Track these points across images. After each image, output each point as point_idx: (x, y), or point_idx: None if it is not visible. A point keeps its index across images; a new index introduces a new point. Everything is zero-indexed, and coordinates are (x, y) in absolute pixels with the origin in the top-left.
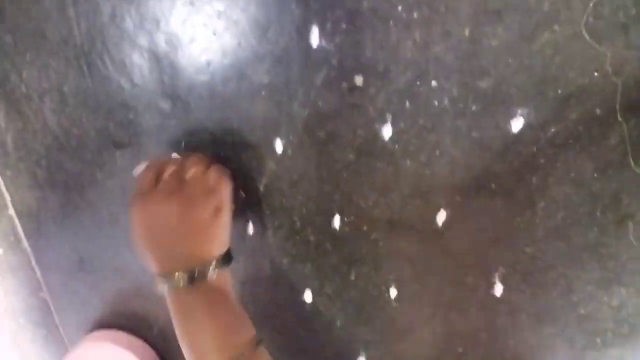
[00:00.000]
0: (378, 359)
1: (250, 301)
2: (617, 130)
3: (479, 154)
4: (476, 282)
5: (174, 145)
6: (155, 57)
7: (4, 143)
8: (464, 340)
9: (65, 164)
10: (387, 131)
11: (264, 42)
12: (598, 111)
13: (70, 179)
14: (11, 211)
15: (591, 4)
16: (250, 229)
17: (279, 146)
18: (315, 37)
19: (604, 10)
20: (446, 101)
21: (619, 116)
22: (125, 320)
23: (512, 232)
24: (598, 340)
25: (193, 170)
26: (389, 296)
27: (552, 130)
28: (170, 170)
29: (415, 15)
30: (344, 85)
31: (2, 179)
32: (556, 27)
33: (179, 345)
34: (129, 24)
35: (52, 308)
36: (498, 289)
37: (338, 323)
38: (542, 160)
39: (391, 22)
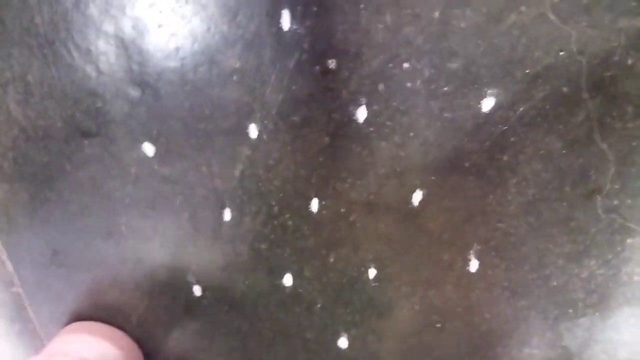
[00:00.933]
0: (359, 339)
1: (229, 287)
2: (583, 108)
3: (451, 134)
4: (452, 259)
5: (145, 133)
6: (122, 44)
7: None
8: (442, 315)
9: (32, 155)
10: (361, 114)
11: (234, 27)
12: (565, 89)
13: (38, 171)
14: None
15: None
16: (227, 215)
17: (253, 131)
18: (286, 21)
19: None
20: (418, 83)
21: (584, 94)
22: (103, 312)
23: (485, 209)
24: (570, 310)
25: None
26: (368, 276)
27: (521, 109)
28: None
29: None
30: (317, 69)
31: None
32: (523, 9)
33: (158, 334)
34: (93, 10)
35: (26, 302)
36: (473, 265)
37: (318, 305)
38: (512, 139)
39: (362, 5)
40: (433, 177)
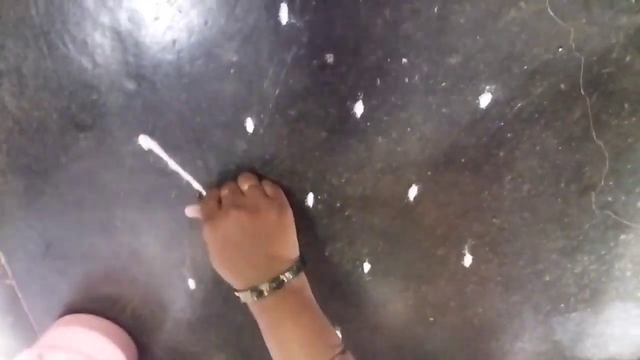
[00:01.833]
0: (353, 333)
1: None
2: (580, 104)
3: (448, 130)
4: (447, 254)
5: (141, 126)
6: (118, 36)
7: None
8: (435, 309)
9: (27, 148)
10: (358, 109)
11: (231, 20)
12: (562, 86)
13: (33, 163)
14: None
15: None
16: None
17: (250, 126)
18: (284, 14)
19: None
20: (416, 78)
21: (582, 90)
22: (97, 304)
23: (481, 204)
24: (562, 305)
25: (248, 184)
26: (363, 271)
27: (519, 105)
28: (225, 189)
29: None
30: (315, 63)
31: None
32: (522, 5)
33: (152, 327)
34: (89, 1)
35: (19, 295)
36: (467, 260)
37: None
38: (509, 135)
39: (360, 0)
40: (429, 173)
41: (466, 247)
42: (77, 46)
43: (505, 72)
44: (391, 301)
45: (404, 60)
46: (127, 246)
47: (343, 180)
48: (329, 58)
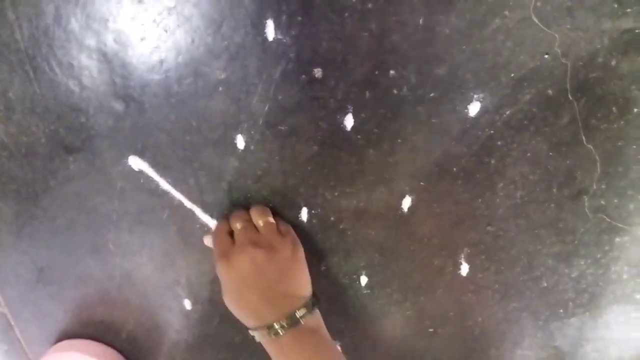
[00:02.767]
0: (353, 347)
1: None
2: (568, 109)
3: (439, 139)
4: (443, 264)
5: (131, 147)
6: (105, 58)
7: None
8: (434, 320)
9: (16, 172)
10: (348, 122)
11: (218, 38)
12: (550, 92)
13: (22, 188)
14: None
15: None
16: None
17: (240, 142)
18: (270, 31)
19: None
20: (405, 89)
21: (569, 96)
22: (92, 329)
23: (475, 213)
24: (561, 311)
25: (262, 220)
26: (360, 284)
27: (507, 112)
28: (239, 224)
29: (369, 5)
30: (303, 77)
31: None
32: (506, 13)
33: (148, 349)
34: (74, 24)
35: (12, 322)
36: (464, 269)
37: None
38: (499, 142)
39: (346, 14)
40: (422, 183)
41: (462, 256)
42: (63, 69)
43: (493, 80)
44: (390, 313)
45: (392, 72)
46: (120, 268)
47: (336, 194)
48: (317, 72)
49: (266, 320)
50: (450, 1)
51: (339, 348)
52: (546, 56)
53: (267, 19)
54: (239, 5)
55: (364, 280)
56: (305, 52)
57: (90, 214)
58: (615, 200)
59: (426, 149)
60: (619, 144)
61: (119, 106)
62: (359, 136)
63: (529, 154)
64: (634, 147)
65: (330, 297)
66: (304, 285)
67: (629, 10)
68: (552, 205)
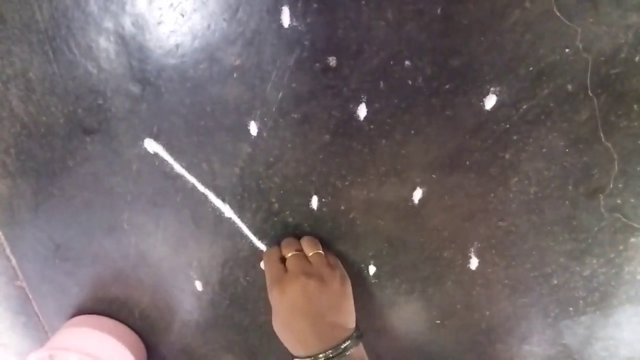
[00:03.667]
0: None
1: (230, 282)
2: (587, 106)
3: (453, 132)
4: (452, 257)
5: (146, 129)
6: (122, 41)
7: None
8: (442, 312)
9: (34, 151)
10: (362, 111)
11: (234, 24)
12: (569, 87)
13: (41, 167)
14: None
15: None
16: (228, 211)
17: (253, 129)
18: (286, 18)
19: None
20: (420, 80)
21: (589, 91)
22: (106, 306)
23: (487, 207)
24: (571, 309)
25: (313, 251)
26: (368, 273)
27: (524, 107)
28: (291, 252)
29: None
30: (318, 66)
31: None
32: (527, 5)
33: (160, 328)
34: (93, 7)
35: (30, 296)
36: (474, 263)
37: None
38: (514, 137)
39: (363, 1)
40: (434, 175)
41: (472, 249)
42: (82, 51)
43: (511, 73)
44: (397, 303)
45: (407, 62)
46: (134, 248)
47: (347, 183)
48: (332, 61)
49: (312, 349)
50: None
51: None
52: (567, 50)
53: (282, 6)
54: None
55: (372, 269)
56: (320, 40)
57: (106, 194)
58: (632, 200)
59: (439, 141)
60: (639, 142)
61: (135, 89)
62: (371, 126)
63: (544, 150)
64: None
65: None
66: (350, 317)
67: None
68: (567, 202)
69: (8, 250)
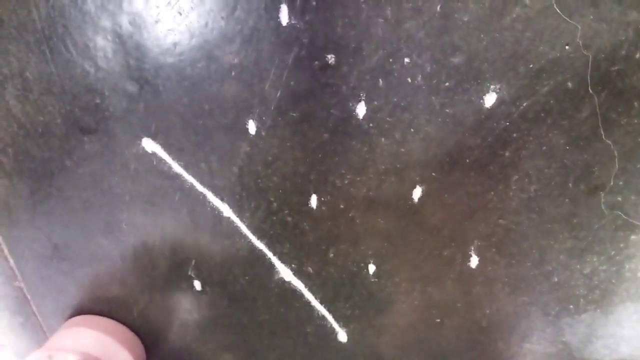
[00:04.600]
0: (358, 333)
1: (229, 282)
2: (588, 103)
3: (452, 130)
4: (452, 255)
5: (144, 129)
6: (120, 39)
7: None
8: (441, 311)
9: (32, 151)
10: (361, 110)
11: (232, 22)
12: (569, 84)
13: (38, 167)
14: None
15: None
16: (226, 211)
17: (252, 127)
18: (284, 16)
19: None
20: (419, 78)
21: (590, 89)
22: (104, 305)
23: (487, 205)
24: (571, 306)
25: None
26: (368, 272)
27: (525, 104)
28: None
29: None
30: (316, 64)
31: None
32: (527, 2)
33: (159, 327)
34: (90, 6)
35: (28, 296)
36: (474, 261)
37: (318, 300)
38: (514, 135)
39: None
40: (433, 174)
41: (472, 248)
42: (79, 50)
43: (511, 71)
44: (397, 302)
45: (407, 60)
46: (132, 248)
47: (346, 182)
48: (331, 59)
49: None
50: None
51: None
52: (567, 47)
53: (281, 3)
54: None
55: (372, 268)
56: (318, 38)
57: (105, 194)
58: (633, 197)
59: (439, 139)
60: (639, 139)
61: (133, 88)
62: (371, 124)
63: (545, 148)
64: None
65: (338, 284)
66: None
67: None
68: (567, 200)
69: (6, 251)
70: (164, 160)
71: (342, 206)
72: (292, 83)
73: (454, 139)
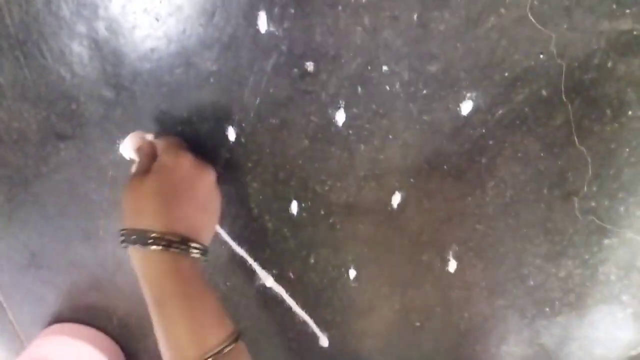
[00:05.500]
0: (339, 338)
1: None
2: (562, 110)
3: (430, 137)
4: (431, 260)
5: (121, 135)
6: (96, 45)
7: None
8: (421, 315)
9: (7, 158)
10: (340, 117)
11: (210, 28)
12: (544, 92)
13: (13, 174)
14: None
15: None
16: None
17: (231, 134)
18: (263, 23)
19: None
20: (397, 86)
21: (564, 97)
22: (83, 313)
23: (464, 210)
24: (547, 309)
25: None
26: (348, 277)
27: (500, 112)
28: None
29: (363, 0)
30: (295, 71)
31: None
32: (502, 11)
33: (139, 335)
34: (65, 11)
35: (4, 305)
36: (452, 265)
37: (300, 305)
38: (490, 142)
39: (340, 7)
40: (412, 180)
41: (450, 252)
42: (54, 56)
43: (486, 79)
44: (377, 307)
45: (385, 67)
46: (111, 255)
47: (326, 188)
48: (310, 66)
49: (165, 230)
50: None
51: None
52: (541, 56)
53: (259, 11)
54: None
55: (352, 273)
56: (297, 46)
57: (82, 201)
58: (606, 203)
59: (417, 146)
60: (612, 146)
61: (109, 94)
62: (350, 131)
63: (520, 154)
64: (627, 149)
65: (319, 289)
66: (213, 223)
67: (627, 11)
68: (542, 205)
69: None
70: None
71: (322, 212)
72: (271, 90)
73: (431, 145)
